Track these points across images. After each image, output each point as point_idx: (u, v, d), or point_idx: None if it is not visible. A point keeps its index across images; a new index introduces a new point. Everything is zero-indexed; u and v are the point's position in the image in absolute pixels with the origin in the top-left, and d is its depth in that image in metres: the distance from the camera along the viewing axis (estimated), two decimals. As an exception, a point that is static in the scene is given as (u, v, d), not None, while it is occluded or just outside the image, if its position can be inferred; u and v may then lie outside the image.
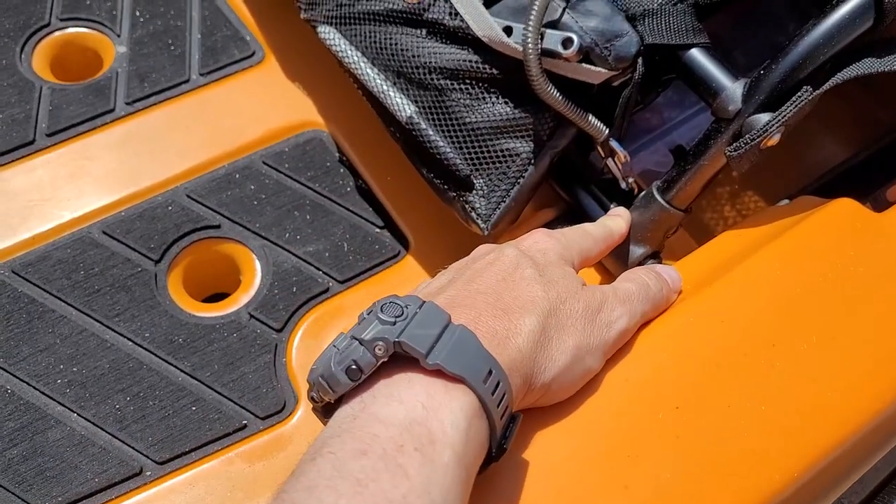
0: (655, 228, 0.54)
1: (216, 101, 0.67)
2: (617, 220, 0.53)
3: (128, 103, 0.66)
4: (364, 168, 0.66)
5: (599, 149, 0.55)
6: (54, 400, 0.54)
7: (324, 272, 0.61)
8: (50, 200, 0.61)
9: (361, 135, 0.67)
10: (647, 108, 0.68)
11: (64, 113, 0.65)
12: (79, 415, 0.53)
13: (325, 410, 0.38)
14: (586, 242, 0.49)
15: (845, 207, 0.50)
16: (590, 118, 0.52)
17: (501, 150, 0.54)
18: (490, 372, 0.37)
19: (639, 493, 0.39)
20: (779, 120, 0.47)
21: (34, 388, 0.54)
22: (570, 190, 0.59)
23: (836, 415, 0.43)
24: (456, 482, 0.34)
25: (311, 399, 0.39)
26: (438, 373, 0.36)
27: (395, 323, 0.37)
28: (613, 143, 0.54)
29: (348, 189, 0.65)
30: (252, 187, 0.64)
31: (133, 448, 0.53)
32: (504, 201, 0.55)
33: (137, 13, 0.70)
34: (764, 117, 0.48)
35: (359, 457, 0.33)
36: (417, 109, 0.55)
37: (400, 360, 0.37)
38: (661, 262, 0.55)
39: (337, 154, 0.66)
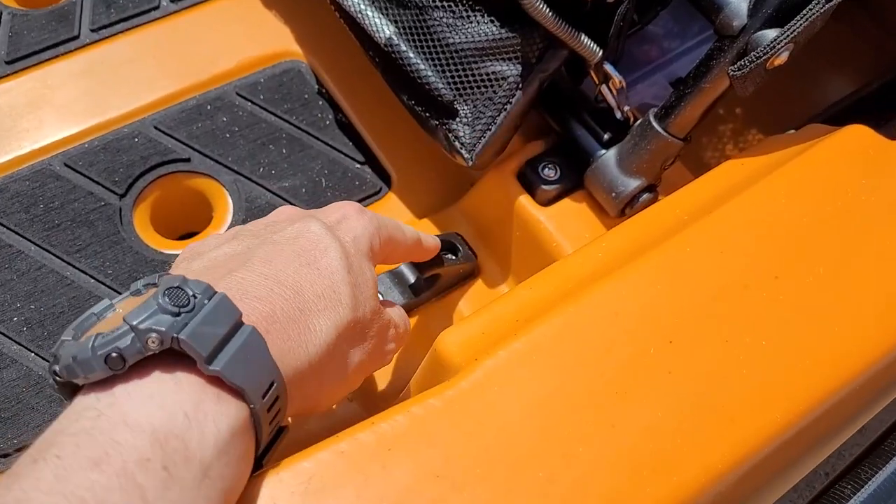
0: (652, 159, 0.50)
1: (187, 29, 0.63)
2: (429, 237, 0.49)
3: (93, 30, 0.62)
4: (345, 101, 0.62)
5: (593, 74, 0.52)
6: (10, 338, 0.50)
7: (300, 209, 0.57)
8: (9, 131, 0.57)
9: (342, 66, 0.63)
10: (645, 38, 0.64)
11: (25, 39, 0.61)
12: (36, 354, 0.50)
13: (71, 390, 0.32)
14: (398, 233, 0.45)
15: (857, 133, 0.47)
16: (582, 38, 0.48)
17: (487, 74, 0.50)
18: (271, 385, 0.33)
19: (626, 432, 0.36)
20: (787, 35, 0.44)
21: (-12, 326, 0.51)
22: (561, 120, 0.55)
23: (843, 352, 0.40)
24: None
25: (53, 374, 0.32)
26: (215, 380, 0.31)
27: (178, 314, 0.31)
28: (608, 67, 0.50)
29: (327, 122, 0.61)
30: (224, 119, 0.60)
31: (94, 389, 0.50)
32: (490, 129, 0.51)
33: (104, -65, 0.66)
34: (771, 33, 0.44)
35: (91, 468, 0.28)
36: (396, 30, 0.51)
37: (173, 354, 0.31)
38: (657, 196, 0.52)
39: (316, 86, 0.62)
